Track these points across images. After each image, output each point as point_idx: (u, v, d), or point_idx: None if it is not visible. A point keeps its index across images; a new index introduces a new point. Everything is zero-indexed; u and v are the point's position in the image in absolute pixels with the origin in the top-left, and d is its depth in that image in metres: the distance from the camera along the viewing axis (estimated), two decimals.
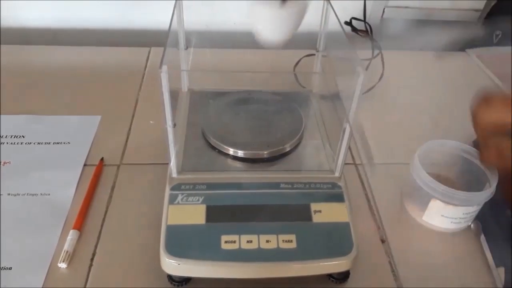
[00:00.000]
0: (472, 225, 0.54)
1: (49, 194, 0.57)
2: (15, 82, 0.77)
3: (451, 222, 0.53)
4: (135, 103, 0.74)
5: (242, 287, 0.46)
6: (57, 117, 0.70)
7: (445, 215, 0.52)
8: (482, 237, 0.53)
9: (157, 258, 0.47)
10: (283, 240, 0.45)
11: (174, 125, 0.47)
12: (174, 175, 0.50)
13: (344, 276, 0.48)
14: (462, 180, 0.57)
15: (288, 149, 0.54)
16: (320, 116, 0.60)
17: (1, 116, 0.68)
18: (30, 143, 0.65)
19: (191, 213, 0.47)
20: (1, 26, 0.91)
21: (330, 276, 0.48)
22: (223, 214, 0.47)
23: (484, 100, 0.43)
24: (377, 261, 0.51)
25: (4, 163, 0.61)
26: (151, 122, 0.70)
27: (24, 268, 0.49)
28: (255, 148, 0.53)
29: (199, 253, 0.44)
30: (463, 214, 0.52)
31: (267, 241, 0.45)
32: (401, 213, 0.57)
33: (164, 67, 0.40)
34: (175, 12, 0.52)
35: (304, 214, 0.47)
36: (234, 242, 0.45)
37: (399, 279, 0.50)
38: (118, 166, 0.62)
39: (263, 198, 0.49)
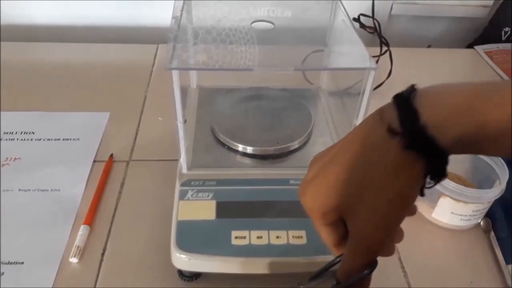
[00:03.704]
0: (481, 223, 0.54)
1: (59, 190, 0.57)
2: (23, 79, 0.77)
3: (461, 219, 0.53)
4: (144, 100, 0.74)
5: None
6: (66, 114, 0.70)
7: (455, 212, 0.52)
8: (492, 234, 0.53)
9: (168, 253, 0.47)
10: (293, 236, 0.46)
11: (185, 121, 0.47)
12: (184, 171, 0.50)
13: None
14: (472, 178, 0.57)
15: (297, 146, 0.54)
16: (329, 112, 0.60)
17: (12, 113, 0.69)
18: (40, 139, 0.65)
19: (201, 209, 0.47)
20: (10, 23, 0.91)
21: None
22: (233, 210, 0.47)
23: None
24: (386, 258, 0.51)
25: (15, 159, 0.62)
26: (159, 118, 0.70)
27: (36, 263, 0.49)
28: (264, 145, 0.53)
29: (209, 249, 0.44)
30: (473, 211, 0.51)
31: (277, 237, 0.46)
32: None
33: (175, 63, 0.41)
34: (184, 7, 0.52)
35: None
36: (244, 237, 0.45)
37: (408, 276, 0.50)
38: (128, 163, 0.62)
39: (273, 194, 0.49)
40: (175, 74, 0.41)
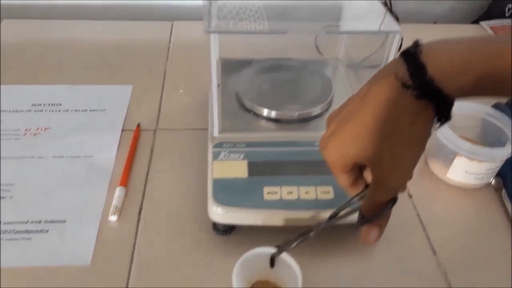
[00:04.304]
0: (493, 181, 0.58)
1: (91, 156, 0.60)
2: (46, 55, 0.79)
3: (474, 178, 0.56)
4: (164, 74, 0.77)
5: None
6: (91, 87, 0.73)
7: (469, 171, 0.55)
8: (504, 192, 0.56)
9: (201, 210, 0.51)
10: (321, 192, 0.49)
11: (218, 85, 0.49)
12: (216, 134, 0.53)
13: None
14: (484, 141, 0.60)
15: (319, 111, 0.57)
16: (348, 80, 0.63)
17: (38, 86, 0.72)
18: (68, 110, 0.68)
19: (234, 168, 0.50)
20: (33, 3, 0.93)
21: None
22: (264, 169, 0.50)
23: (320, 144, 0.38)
24: (406, 213, 0.55)
25: (45, 128, 0.64)
26: (181, 91, 0.73)
27: (77, 221, 0.52)
28: (289, 110, 0.56)
29: (244, 202, 0.48)
30: (486, 170, 0.55)
31: (306, 192, 0.49)
32: (425, 172, 0.60)
33: (214, 27, 0.43)
34: None
35: None
36: (276, 193, 0.49)
37: (427, 230, 0.53)
38: (154, 131, 0.65)
39: (300, 155, 0.52)
40: (213, 38, 0.44)
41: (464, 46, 0.32)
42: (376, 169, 0.35)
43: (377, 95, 0.33)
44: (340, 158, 0.36)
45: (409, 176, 0.36)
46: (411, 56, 0.32)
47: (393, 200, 0.36)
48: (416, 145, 0.34)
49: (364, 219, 0.37)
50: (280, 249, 0.43)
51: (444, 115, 0.32)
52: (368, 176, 0.38)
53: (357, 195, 0.39)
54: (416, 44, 0.33)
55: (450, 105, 0.32)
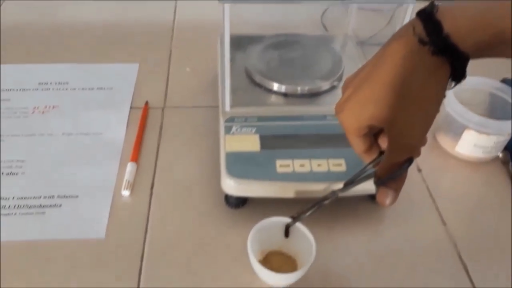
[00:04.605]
0: (500, 155, 0.58)
1: (101, 133, 0.60)
2: (49, 35, 0.79)
3: (483, 151, 0.56)
4: (169, 53, 0.76)
5: None
6: (97, 65, 0.72)
7: (477, 144, 0.56)
8: (511, 165, 0.57)
9: (213, 184, 0.51)
10: (333, 164, 0.49)
11: (230, 59, 0.49)
12: (228, 109, 0.53)
13: None
14: (491, 116, 0.60)
15: (329, 86, 0.57)
16: (357, 56, 0.63)
17: (43, 65, 0.71)
18: (75, 88, 0.68)
19: (246, 142, 0.51)
20: None
21: (374, 198, 0.52)
22: (276, 142, 0.51)
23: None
24: (415, 186, 0.55)
25: (53, 106, 0.64)
26: (187, 69, 0.73)
27: (90, 196, 0.52)
28: (299, 84, 0.56)
29: (257, 175, 0.48)
30: (494, 143, 0.55)
31: (319, 165, 0.49)
32: (434, 146, 0.61)
33: None
34: None
35: None
36: (288, 166, 0.49)
37: (436, 202, 0.54)
38: (163, 109, 0.65)
39: (312, 128, 0.52)
40: (227, 8, 0.43)
41: (479, 4, 0.32)
42: (392, 129, 0.35)
43: (393, 54, 0.33)
44: (356, 121, 0.36)
45: (424, 135, 0.36)
46: (427, 15, 0.32)
47: (409, 160, 0.36)
48: (431, 104, 0.34)
49: (381, 181, 0.37)
50: (296, 218, 0.43)
51: (459, 74, 0.33)
52: (382, 142, 0.38)
53: (371, 161, 0.39)
54: (432, 4, 0.33)
55: (466, 62, 0.32)
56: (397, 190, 0.37)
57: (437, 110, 0.35)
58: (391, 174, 0.36)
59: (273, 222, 0.44)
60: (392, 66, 0.33)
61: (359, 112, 0.36)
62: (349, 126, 0.37)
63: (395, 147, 0.36)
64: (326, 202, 0.41)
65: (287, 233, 0.45)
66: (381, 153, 0.39)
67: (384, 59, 0.34)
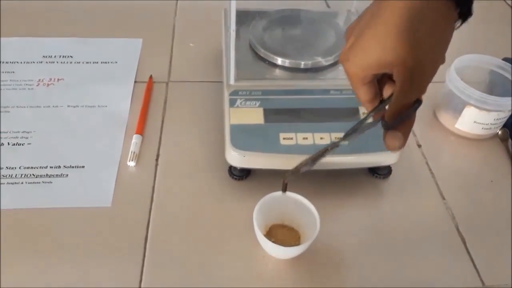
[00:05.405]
0: (499, 132, 0.59)
1: (106, 106, 0.61)
2: (53, 9, 0.79)
3: (482, 128, 0.57)
4: (173, 28, 0.76)
5: None
6: (101, 40, 0.72)
7: (477, 121, 0.57)
8: (509, 142, 0.58)
9: (217, 156, 0.52)
10: (335, 137, 0.50)
11: (234, 30, 0.50)
12: (232, 82, 0.54)
13: (387, 172, 0.53)
14: (492, 93, 0.61)
15: (333, 61, 0.58)
16: None
17: (48, 38, 0.71)
18: (79, 62, 0.68)
19: (251, 115, 0.51)
20: None
21: (374, 173, 0.54)
22: (279, 116, 0.51)
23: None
24: (415, 161, 0.56)
25: (58, 79, 0.65)
26: (191, 44, 0.73)
27: (96, 167, 0.53)
28: (303, 59, 0.57)
29: (261, 147, 0.49)
30: (494, 119, 0.56)
31: (321, 138, 0.50)
32: (434, 123, 0.62)
33: None
34: None
35: (353, 115, 0.52)
36: (291, 138, 0.50)
37: (435, 176, 0.55)
38: (167, 83, 0.65)
39: (315, 102, 0.53)
40: None
41: None
42: (400, 71, 0.34)
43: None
44: (362, 67, 0.36)
45: (434, 73, 0.35)
46: None
47: (418, 102, 0.36)
48: (441, 45, 0.34)
49: (389, 125, 0.36)
50: (295, 170, 0.42)
51: (465, 12, 0.33)
52: (386, 90, 0.38)
53: (372, 109, 0.39)
54: None
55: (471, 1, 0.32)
56: (405, 134, 0.37)
57: (445, 50, 0.35)
58: (400, 117, 0.36)
59: (276, 196, 0.45)
60: (397, 7, 0.33)
61: (365, 58, 0.35)
62: (354, 74, 0.37)
63: (405, 89, 0.35)
64: (327, 153, 0.42)
65: (285, 188, 0.45)
66: (381, 101, 0.39)
67: (385, 3, 0.34)
